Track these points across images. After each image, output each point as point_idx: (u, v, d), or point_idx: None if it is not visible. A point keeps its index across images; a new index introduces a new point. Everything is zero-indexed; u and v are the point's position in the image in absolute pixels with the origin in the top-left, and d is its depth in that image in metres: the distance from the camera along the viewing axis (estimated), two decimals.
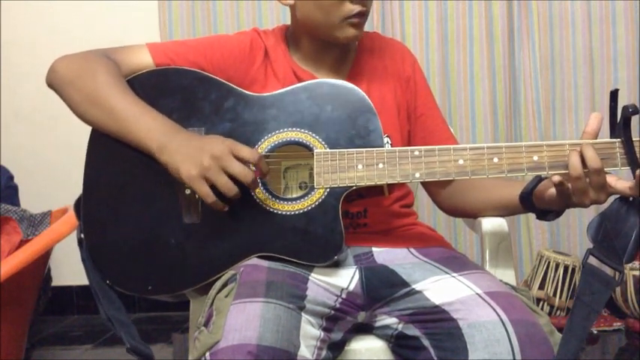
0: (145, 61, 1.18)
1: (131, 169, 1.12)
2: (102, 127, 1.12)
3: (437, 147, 1.06)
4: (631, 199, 0.98)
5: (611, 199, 1.01)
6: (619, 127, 0.99)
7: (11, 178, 2.32)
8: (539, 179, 1.07)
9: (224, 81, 1.16)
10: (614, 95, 1.00)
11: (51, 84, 1.16)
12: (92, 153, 1.15)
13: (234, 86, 1.15)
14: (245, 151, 1.03)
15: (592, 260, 0.98)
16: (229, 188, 1.02)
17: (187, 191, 1.10)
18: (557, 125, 2.56)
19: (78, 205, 1.15)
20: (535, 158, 1.03)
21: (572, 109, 2.54)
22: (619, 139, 1.00)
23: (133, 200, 1.13)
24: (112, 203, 1.13)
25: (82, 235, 1.13)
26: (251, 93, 1.15)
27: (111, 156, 1.13)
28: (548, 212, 1.09)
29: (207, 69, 1.18)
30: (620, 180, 1.00)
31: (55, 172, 2.68)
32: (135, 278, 1.12)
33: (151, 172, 1.10)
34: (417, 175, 1.06)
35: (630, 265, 2.29)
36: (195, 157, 1.02)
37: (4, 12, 2.69)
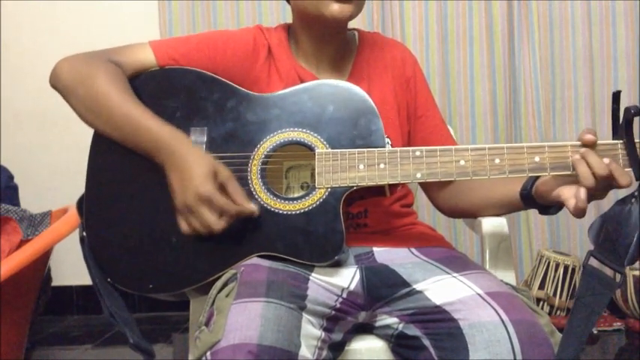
0: (148, 61, 1.18)
1: (134, 167, 1.12)
2: (105, 135, 1.12)
3: (438, 147, 1.06)
4: (633, 200, 0.98)
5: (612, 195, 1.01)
6: (621, 128, 0.99)
7: (11, 178, 2.32)
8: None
9: (227, 81, 1.16)
10: (616, 97, 0.99)
11: (54, 87, 1.16)
12: (95, 151, 1.15)
13: (237, 86, 1.15)
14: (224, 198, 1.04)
15: (592, 262, 0.98)
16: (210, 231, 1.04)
17: None
18: (557, 125, 2.56)
19: (80, 203, 1.15)
20: (536, 159, 1.03)
21: (572, 109, 2.54)
22: (621, 141, 1.00)
23: (135, 199, 1.13)
24: (114, 201, 1.13)
25: (84, 233, 1.13)
26: (254, 93, 1.15)
27: (114, 154, 1.13)
28: (549, 206, 1.09)
29: (209, 67, 1.18)
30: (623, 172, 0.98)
31: (55, 172, 2.69)
32: (136, 277, 1.12)
33: (153, 171, 1.09)
34: (419, 175, 1.06)
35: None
36: (182, 198, 1.04)
37: (4, 12, 2.69)
